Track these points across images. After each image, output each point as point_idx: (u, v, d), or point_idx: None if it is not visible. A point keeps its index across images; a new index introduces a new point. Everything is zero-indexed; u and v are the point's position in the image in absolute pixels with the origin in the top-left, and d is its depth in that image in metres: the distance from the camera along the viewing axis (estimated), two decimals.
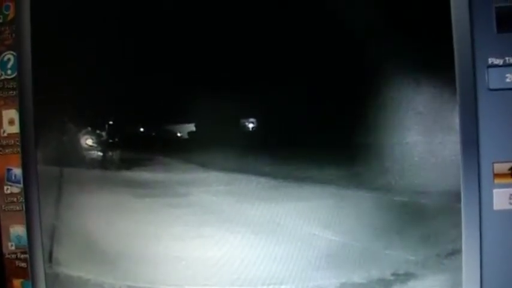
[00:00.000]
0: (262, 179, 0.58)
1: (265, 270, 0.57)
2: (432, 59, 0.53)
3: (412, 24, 0.54)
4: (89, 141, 0.61)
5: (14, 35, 0.61)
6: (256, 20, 0.57)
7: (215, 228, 0.58)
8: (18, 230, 0.62)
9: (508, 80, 0.52)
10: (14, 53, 0.61)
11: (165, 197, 0.60)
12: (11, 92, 0.61)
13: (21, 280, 0.62)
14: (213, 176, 0.59)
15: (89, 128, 0.61)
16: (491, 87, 0.53)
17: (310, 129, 0.57)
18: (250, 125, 0.58)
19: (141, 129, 0.61)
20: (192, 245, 0.58)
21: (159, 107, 0.60)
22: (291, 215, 0.57)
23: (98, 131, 0.61)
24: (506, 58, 0.52)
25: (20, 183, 0.61)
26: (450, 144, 0.53)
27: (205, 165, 0.59)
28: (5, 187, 0.62)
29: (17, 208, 0.62)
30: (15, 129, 0.61)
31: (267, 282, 0.57)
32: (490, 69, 0.53)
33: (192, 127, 0.59)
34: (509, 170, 0.53)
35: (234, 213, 0.58)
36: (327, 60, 0.56)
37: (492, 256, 0.53)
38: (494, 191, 0.53)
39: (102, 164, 0.61)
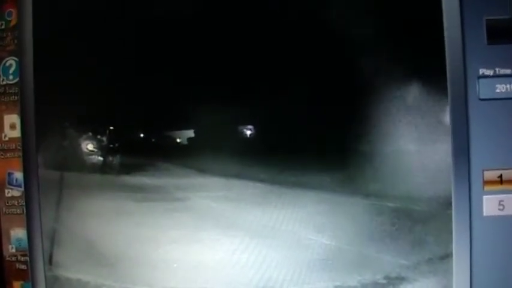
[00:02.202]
0: (259, 185, 0.59)
1: (261, 273, 0.58)
2: (425, 69, 0.55)
3: (405, 35, 0.55)
4: (90, 146, 0.61)
5: (16, 40, 0.62)
6: (255, 29, 0.58)
7: (212, 233, 0.59)
8: (18, 233, 0.62)
9: (498, 90, 0.54)
10: (16, 59, 0.62)
11: (164, 201, 0.60)
12: (13, 97, 0.62)
13: (21, 282, 0.62)
14: (211, 181, 0.60)
15: (90, 133, 0.62)
16: (481, 97, 0.54)
17: (307, 137, 0.58)
18: (248, 132, 0.59)
19: (141, 135, 0.62)
20: (189, 248, 0.59)
21: (159, 113, 0.60)
22: (287, 220, 0.58)
23: (98, 136, 0.61)
24: (496, 69, 0.54)
25: (20, 187, 0.62)
26: (441, 152, 0.54)
27: (203, 171, 0.60)
28: (6, 190, 0.62)
29: (18, 211, 0.62)
30: (16, 133, 0.62)
31: (263, 286, 0.58)
32: (480, 80, 0.54)
33: (191, 133, 0.60)
34: (498, 177, 0.54)
35: (231, 218, 0.59)
36: (324, 69, 0.57)
37: (482, 261, 0.54)
38: (484, 197, 0.54)
39: (102, 168, 0.62)
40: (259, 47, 0.58)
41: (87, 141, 0.61)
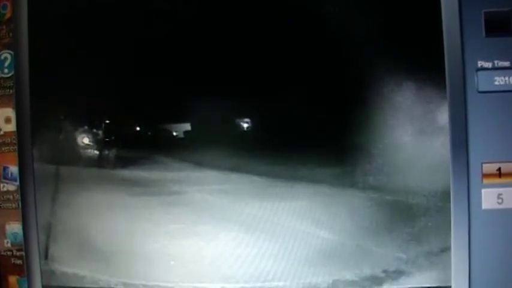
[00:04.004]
0: (256, 178, 0.59)
1: (258, 267, 0.58)
2: (423, 62, 0.54)
3: (404, 28, 0.55)
4: (85, 140, 0.61)
5: (11, 34, 0.61)
6: (251, 22, 0.57)
7: (209, 226, 0.59)
8: (14, 227, 0.62)
9: (496, 82, 0.54)
10: (11, 52, 0.61)
11: (161, 195, 0.60)
12: (8, 90, 0.62)
13: (16, 277, 0.62)
14: (208, 174, 0.60)
15: (86, 127, 0.61)
16: (480, 89, 0.54)
17: (304, 130, 0.57)
18: (245, 125, 0.58)
19: (138, 128, 0.61)
20: (186, 242, 0.59)
21: (155, 106, 0.60)
22: (284, 213, 0.58)
23: (94, 130, 0.61)
24: (495, 61, 0.54)
25: (16, 181, 0.61)
26: (440, 145, 0.54)
27: (200, 164, 0.60)
28: (1, 185, 0.62)
29: (13, 206, 0.62)
30: (11, 127, 0.61)
31: (260, 279, 0.58)
32: (479, 72, 0.54)
33: (187, 126, 0.60)
34: (497, 170, 0.54)
35: (228, 211, 0.59)
36: (320, 63, 0.57)
37: (480, 254, 0.54)
38: (483, 190, 0.54)
39: (98, 162, 0.61)
40: (256, 40, 0.58)
41: (82, 135, 0.61)
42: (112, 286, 0.60)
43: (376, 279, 0.56)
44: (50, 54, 0.61)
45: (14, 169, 0.62)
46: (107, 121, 0.61)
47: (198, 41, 0.58)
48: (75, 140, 0.61)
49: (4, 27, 0.62)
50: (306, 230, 0.58)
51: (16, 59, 0.60)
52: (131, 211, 0.60)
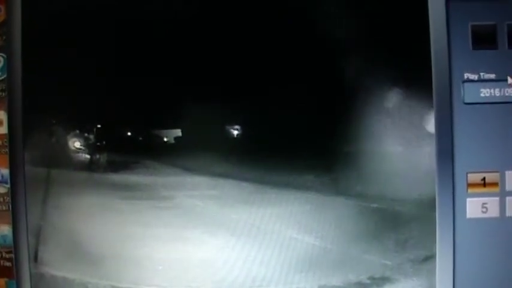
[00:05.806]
0: (245, 184, 0.59)
1: (246, 272, 0.58)
2: (411, 73, 0.55)
3: (392, 40, 0.56)
4: (77, 144, 0.61)
5: (4, 37, 0.62)
6: (242, 30, 0.58)
7: (198, 231, 0.59)
8: (4, 230, 0.62)
9: (482, 94, 0.55)
10: (4, 55, 0.61)
11: (150, 199, 0.60)
12: (0, 93, 0.62)
13: (5, 279, 0.62)
14: (198, 180, 0.60)
15: (77, 131, 0.61)
16: (466, 101, 0.55)
17: (293, 137, 0.58)
18: (235, 132, 0.59)
19: (129, 133, 0.62)
20: (175, 247, 0.59)
21: (146, 111, 0.61)
22: (272, 219, 0.59)
23: (85, 134, 0.61)
24: (481, 74, 0.55)
25: (7, 183, 0.61)
26: (426, 155, 0.55)
27: (190, 170, 0.60)
28: None
29: (4, 208, 0.62)
30: (3, 130, 0.61)
31: (247, 285, 0.58)
32: (465, 84, 0.55)
33: (178, 132, 0.61)
34: (482, 180, 0.55)
35: (216, 216, 0.59)
36: (310, 71, 0.58)
37: (464, 262, 0.55)
38: (468, 200, 0.55)
39: (89, 166, 0.61)
40: (247, 47, 0.58)
41: (74, 139, 0.61)
42: None
43: (361, 286, 0.57)
44: (42, 57, 0.61)
45: (5, 171, 0.61)
46: (99, 125, 0.61)
47: (189, 47, 0.59)
48: (66, 143, 0.61)
49: None
50: (293, 236, 0.58)
51: (9, 62, 0.60)
52: (121, 215, 0.60)
